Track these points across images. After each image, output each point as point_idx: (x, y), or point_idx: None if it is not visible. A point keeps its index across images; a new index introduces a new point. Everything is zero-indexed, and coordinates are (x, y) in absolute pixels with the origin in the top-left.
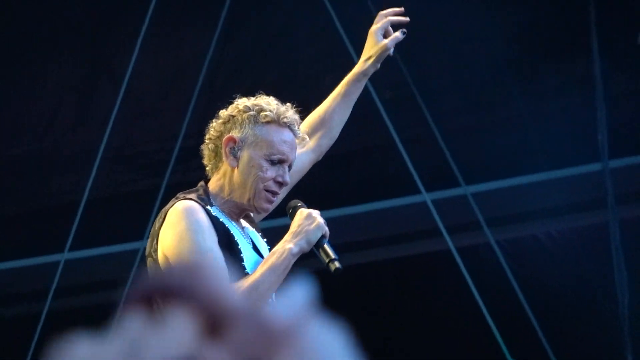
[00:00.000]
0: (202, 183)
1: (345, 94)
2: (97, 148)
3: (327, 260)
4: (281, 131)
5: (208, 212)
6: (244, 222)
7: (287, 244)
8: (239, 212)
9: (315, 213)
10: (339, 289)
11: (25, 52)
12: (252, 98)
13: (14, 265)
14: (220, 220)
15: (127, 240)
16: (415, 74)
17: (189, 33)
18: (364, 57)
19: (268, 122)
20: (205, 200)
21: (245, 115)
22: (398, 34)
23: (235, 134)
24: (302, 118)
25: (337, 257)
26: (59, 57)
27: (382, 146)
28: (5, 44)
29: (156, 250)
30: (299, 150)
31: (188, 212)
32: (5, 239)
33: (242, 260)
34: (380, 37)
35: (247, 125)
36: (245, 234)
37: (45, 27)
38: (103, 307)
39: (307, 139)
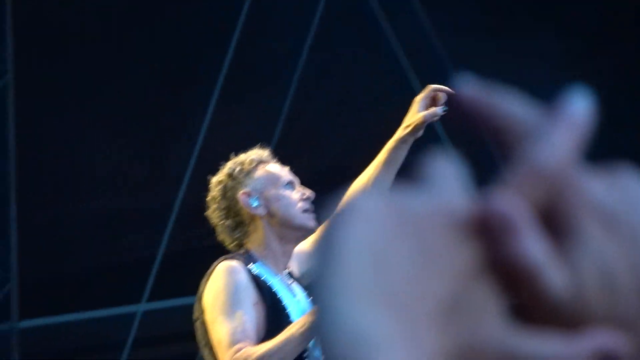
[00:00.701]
0: (243, 249)
1: (386, 162)
2: (172, 204)
3: None
4: (270, 165)
5: (249, 272)
6: (290, 280)
7: (310, 317)
8: (284, 261)
9: None
10: None
11: (101, 108)
12: (226, 163)
13: (93, 316)
14: (263, 278)
15: None
16: None
17: (263, 92)
18: (404, 124)
19: (256, 166)
20: (247, 259)
21: (237, 174)
22: (437, 110)
23: (244, 189)
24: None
25: None
26: (134, 113)
27: None
28: (83, 101)
29: (202, 312)
30: None
31: (227, 272)
32: (85, 291)
33: (288, 315)
34: (422, 108)
35: (244, 179)
36: (290, 288)
37: (122, 83)
38: (178, 359)
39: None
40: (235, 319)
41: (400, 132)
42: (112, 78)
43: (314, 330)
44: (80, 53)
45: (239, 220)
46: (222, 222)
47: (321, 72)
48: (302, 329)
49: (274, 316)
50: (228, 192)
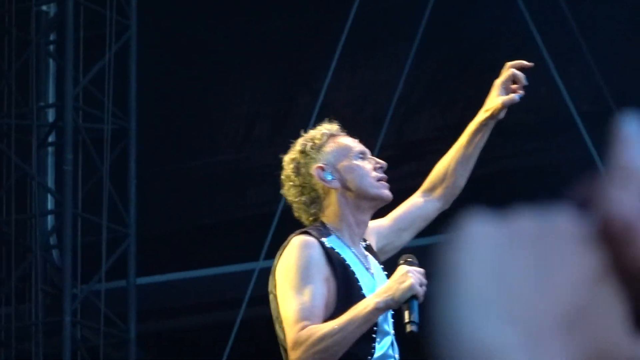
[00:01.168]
0: (320, 222)
1: (467, 145)
2: None
3: (406, 321)
4: (341, 138)
5: (322, 244)
6: (366, 253)
7: (376, 298)
8: (359, 234)
9: (413, 272)
10: None
11: (225, 64)
12: (298, 140)
13: (211, 273)
14: (336, 250)
15: None
16: (613, 88)
17: (387, 47)
18: (484, 107)
19: (327, 140)
20: (322, 232)
21: (309, 150)
22: (514, 96)
23: (318, 164)
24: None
25: (416, 321)
26: (257, 70)
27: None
28: (207, 56)
29: (275, 286)
30: (425, 198)
31: (300, 247)
32: (204, 248)
33: (360, 288)
34: (502, 91)
35: (317, 154)
36: (366, 260)
37: (246, 40)
38: None
39: (421, 198)
40: (304, 294)
41: (480, 116)
42: (233, 33)
43: (379, 311)
44: (202, 5)
45: (315, 196)
46: (298, 198)
47: (445, 30)
48: (366, 310)
49: (346, 289)
50: (302, 169)
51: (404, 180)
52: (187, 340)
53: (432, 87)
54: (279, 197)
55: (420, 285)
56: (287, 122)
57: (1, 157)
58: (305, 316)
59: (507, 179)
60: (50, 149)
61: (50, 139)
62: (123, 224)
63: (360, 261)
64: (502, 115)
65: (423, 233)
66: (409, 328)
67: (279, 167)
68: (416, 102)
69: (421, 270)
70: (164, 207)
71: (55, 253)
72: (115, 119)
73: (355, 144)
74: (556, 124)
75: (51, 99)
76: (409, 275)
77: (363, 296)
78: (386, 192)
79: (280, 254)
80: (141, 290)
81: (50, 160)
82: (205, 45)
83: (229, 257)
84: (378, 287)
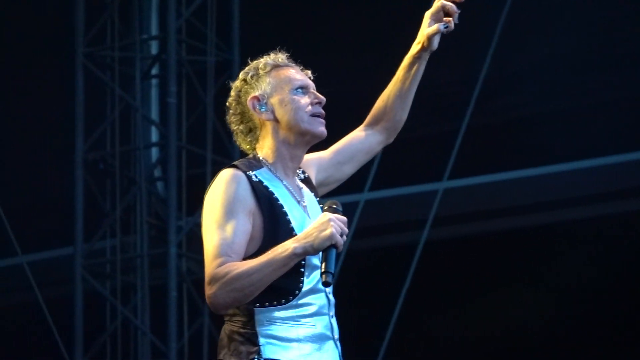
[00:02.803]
0: (252, 154)
1: (402, 79)
2: (474, 78)
3: (322, 270)
4: (286, 69)
5: (250, 178)
6: (302, 185)
7: (294, 243)
8: (293, 165)
9: (335, 221)
10: None
11: None
12: (245, 68)
13: (394, 194)
14: (265, 184)
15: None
16: None
17: None
18: (416, 40)
19: (271, 69)
20: (253, 165)
21: (249, 79)
22: (439, 26)
23: (254, 93)
24: None
25: (332, 272)
26: None
27: None
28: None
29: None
30: (367, 132)
31: (225, 181)
32: (388, 167)
33: (288, 222)
34: (431, 22)
35: (258, 82)
36: (300, 193)
37: None
38: (480, 238)
39: (363, 131)
40: (226, 230)
41: (413, 48)
42: None
43: (296, 256)
44: None
45: (252, 126)
46: (236, 127)
47: None
48: (284, 254)
49: (273, 223)
50: (242, 97)
51: None
52: (369, 262)
53: (527, 20)
54: (460, 115)
55: (341, 235)
56: (464, 42)
57: (105, 89)
58: (225, 252)
59: None
60: (153, 81)
61: (154, 71)
62: (227, 156)
63: (292, 194)
64: (434, 46)
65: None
66: (324, 278)
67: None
68: (518, 35)
69: (344, 218)
70: None
71: (159, 185)
72: (218, 50)
73: (297, 77)
74: None
75: (154, 31)
76: (330, 224)
77: (291, 229)
78: (319, 129)
79: (209, 187)
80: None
81: (153, 93)
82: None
83: (414, 178)
84: (309, 220)
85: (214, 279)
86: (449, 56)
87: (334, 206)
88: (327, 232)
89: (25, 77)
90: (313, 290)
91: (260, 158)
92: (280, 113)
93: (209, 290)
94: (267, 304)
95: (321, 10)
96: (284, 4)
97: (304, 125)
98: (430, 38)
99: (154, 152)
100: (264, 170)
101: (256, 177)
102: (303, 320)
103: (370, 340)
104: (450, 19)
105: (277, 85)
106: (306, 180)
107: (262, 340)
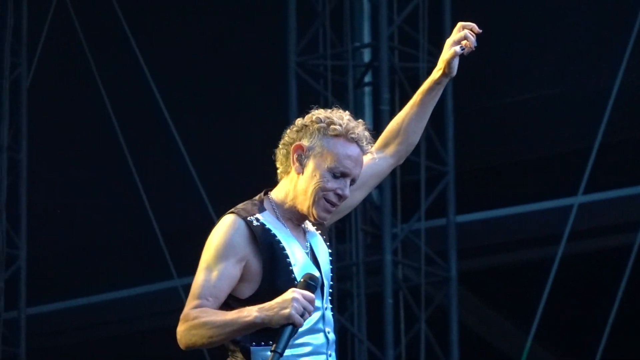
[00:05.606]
0: (263, 192)
1: (420, 103)
2: (609, 90)
3: (273, 347)
4: (347, 146)
5: (250, 223)
6: (310, 227)
7: (257, 312)
8: (301, 217)
9: (298, 301)
10: None
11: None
12: (328, 110)
13: (530, 209)
14: (267, 227)
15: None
16: None
17: None
18: (437, 67)
19: (336, 136)
20: (258, 207)
21: (316, 126)
22: (456, 49)
23: (305, 142)
24: None
25: (278, 352)
26: None
27: None
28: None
29: None
30: (378, 155)
31: (223, 227)
32: (522, 184)
33: (289, 264)
34: (451, 49)
35: (316, 135)
36: (305, 238)
37: None
38: (615, 251)
39: (375, 155)
40: (212, 273)
41: (433, 74)
42: None
43: (256, 324)
44: None
45: (288, 159)
46: (282, 147)
47: None
48: (246, 319)
49: (272, 265)
50: (301, 132)
51: None
52: (507, 277)
53: None
54: (592, 131)
55: (302, 315)
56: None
57: (318, 97)
58: (204, 294)
59: None
60: (366, 89)
61: (366, 79)
62: (441, 162)
63: (296, 237)
64: (453, 72)
65: None
66: (270, 357)
67: (593, 99)
68: None
69: (310, 296)
70: (481, 144)
71: (374, 193)
72: (430, 56)
73: (345, 162)
74: None
75: (366, 39)
76: (292, 304)
77: (291, 272)
78: (322, 214)
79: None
80: (461, 228)
81: (367, 100)
82: None
83: (547, 193)
84: (311, 264)
85: (184, 319)
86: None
87: (310, 281)
88: (286, 311)
89: (239, 87)
90: (311, 330)
91: (270, 199)
92: (305, 177)
93: (178, 327)
94: (262, 343)
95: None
96: (495, 9)
97: (310, 203)
98: (449, 64)
99: None
100: (266, 213)
101: (257, 220)
102: (300, 359)
103: (587, 342)
104: (468, 42)
105: (324, 153)
106: (320, 225)
107: None
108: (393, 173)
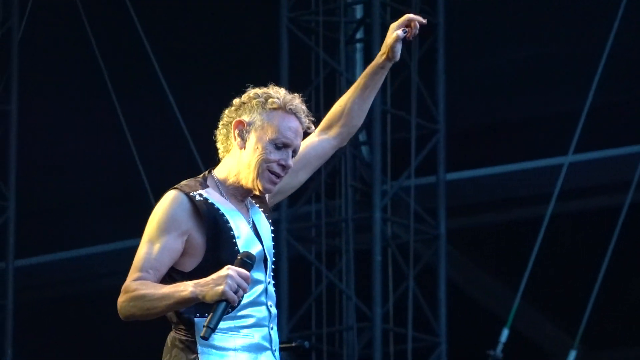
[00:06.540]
0: (207, 171)
1: (364, 87)
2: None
3: (206, 322)
4: (287, 118)
5: (192, 198)
6: (253, 200)
7: (193, 287)
8: (245, 192)
9: (233, 277)
10: None
11: None
12: (264, 87)
13: (519, 168)
14: (210, 201)
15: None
16: None
17: None
18: (380, 51)
19: (275, 109)
20: (201, 184)
21: (254, 102)
22: (399, 32)
23: (245, 118)
24: None
25: (211, 327)
26: None
27: None
28: None
29: None
30: (321, 137)
31: (166, 201)
32: (511, 143)
33: (232, 237)
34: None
35: (255, 110)
36: (248, 214)
37: None
38: (604, 211)
39: (312, 127)
40: (153, 246)
41: (377, 59)
42: None
43: (191, 300)
44: None
45: (229, 137)
46: (222, 127)
47: None
48: (181, 293)
49: (215, 240)
50: (239, 111)
51: None
52: (496, 236)
53: None
54: (583, 91)
55: (236, 292)
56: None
57: (309, 53)
58: (146, 266)
59: None
60: (358, 45)
61: (358, 35)
62: (432, 120)
63: (240, 211)
64: (397, 57)
65: None
66: (203, 332)
67: (584, 61)
68: None
69: (245, 273)
70: (472, 103)
71: (364, 149)
72: (423, 14)
73: (287, 133)
74: None
75: None
76: (226, 281)
77: (235, 244)
78: (267, 185)
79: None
80: (450, 186)
81: (358, 57)
82: None
83: (538, 152)
84: (255, 238)
85: (125, 290)
86: None
87: (245, 259)
88: (220, 288)
89: (230, 43)
90: (254, 303)
91: (214, 176)
92: (248, 151)
93: (119, 298)
94: (206, 314)
95: None
96: None
97: (254, 176)
98: (392, 48)
99: None
100: (210, 190)
101: (201, 196)
102: (242, 330)
103: (576, 301)
104: (411, 28)
105: (265, 126)
106: (258, 195)
107: (200, 349)
108: (384, 129)
